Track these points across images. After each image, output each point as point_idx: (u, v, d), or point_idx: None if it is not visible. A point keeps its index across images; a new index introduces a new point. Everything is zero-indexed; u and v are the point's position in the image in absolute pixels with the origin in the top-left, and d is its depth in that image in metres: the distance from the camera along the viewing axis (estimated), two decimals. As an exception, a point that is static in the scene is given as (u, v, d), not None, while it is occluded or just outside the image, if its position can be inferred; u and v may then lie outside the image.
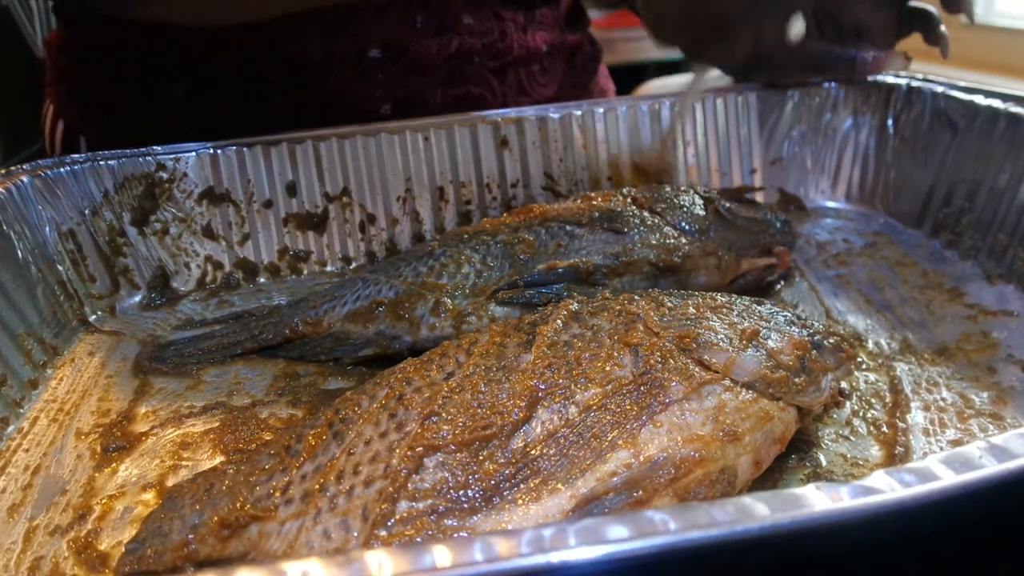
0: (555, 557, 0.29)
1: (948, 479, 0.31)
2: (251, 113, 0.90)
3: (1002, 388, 0.57)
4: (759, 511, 0.30)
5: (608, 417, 0.44)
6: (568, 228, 0.68)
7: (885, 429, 0.53)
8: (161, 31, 0.87)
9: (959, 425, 0.53)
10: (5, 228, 0.67)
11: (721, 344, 0.48)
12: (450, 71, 0.95)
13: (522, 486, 0.42)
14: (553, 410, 0.45)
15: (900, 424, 0.53)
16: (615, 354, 0.48)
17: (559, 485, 0.42)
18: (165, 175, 0.78)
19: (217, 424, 0.58)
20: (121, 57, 0.90)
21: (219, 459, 0.54)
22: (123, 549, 0.44)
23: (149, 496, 0.51)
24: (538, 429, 0.44)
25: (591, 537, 0.29)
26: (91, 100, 0.95)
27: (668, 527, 0.29)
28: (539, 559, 0.29)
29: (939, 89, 0.83)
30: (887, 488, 0.31)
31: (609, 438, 0.43)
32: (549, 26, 1.02)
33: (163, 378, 0.64)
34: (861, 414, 0.55)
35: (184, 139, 0.80)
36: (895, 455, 0.51)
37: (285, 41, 0.88)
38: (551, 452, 0.43)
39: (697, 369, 0.47)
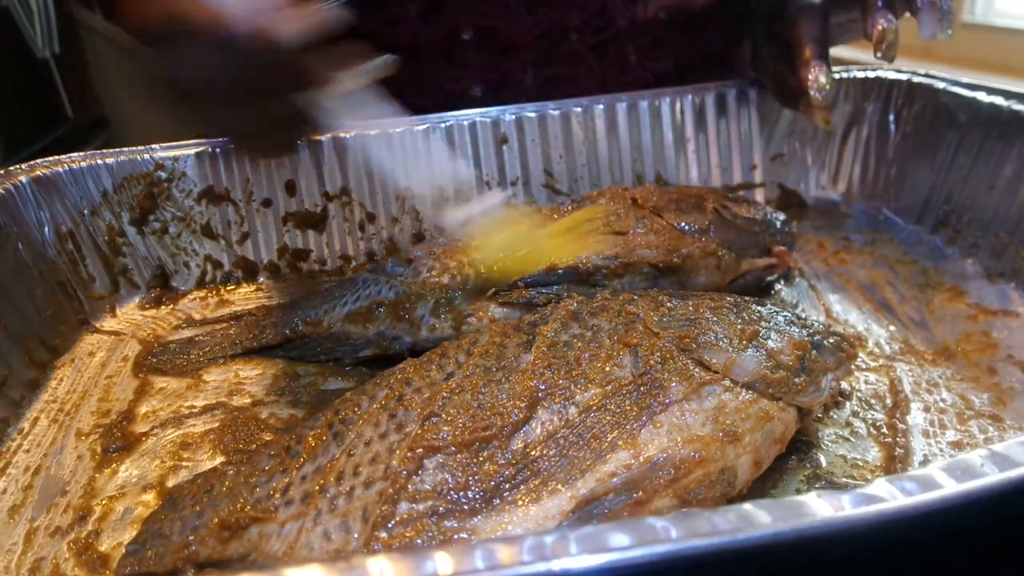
0: (556, 564, 0.29)
1: (950, 487, 0.31)
2: None
3: (1002, 389, 0.57)
4: (761, 519, 0.30)
5: (608, 418, 0.44)
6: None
7: (885, 430, 0.53)
8: None
9: (959, 427, 0.53)
10: (5, 228, 0.67)
11: (721, 344, 0.48)
12: (541, 50, 0.90)
13: (522, 487, 0.42)
14: (553, 411, 0.45)
15: (900, 425, 0.53)
16: (615, 354, 0.47)
17: (559, 486, 0.42)
18: (164, 174, 0.78)
19: (217, 424, 0.58)
20: None
21: (219, 459, 0.54)
22: (123, 550, 0.45)
23: (149, 497, 0.51)
24: (538, 430, 0.44)
25: (593, 545, 0.29)
26: None
27: (670, 535, 0.29)
28: (540, 566, 0.29)
29: (941, 85, 0.82)
30: (889, 496, 0.31)
31: (609, 439, 0.43)
32: None
33: (163, 378, 0.64)
34: (861, 415, 0.55)
35: None
36: (895, 456, 0.51)
37: (375, 25, 0.87)
38: (551, 453, 0.43)
39: (697, 369, 0.47)
